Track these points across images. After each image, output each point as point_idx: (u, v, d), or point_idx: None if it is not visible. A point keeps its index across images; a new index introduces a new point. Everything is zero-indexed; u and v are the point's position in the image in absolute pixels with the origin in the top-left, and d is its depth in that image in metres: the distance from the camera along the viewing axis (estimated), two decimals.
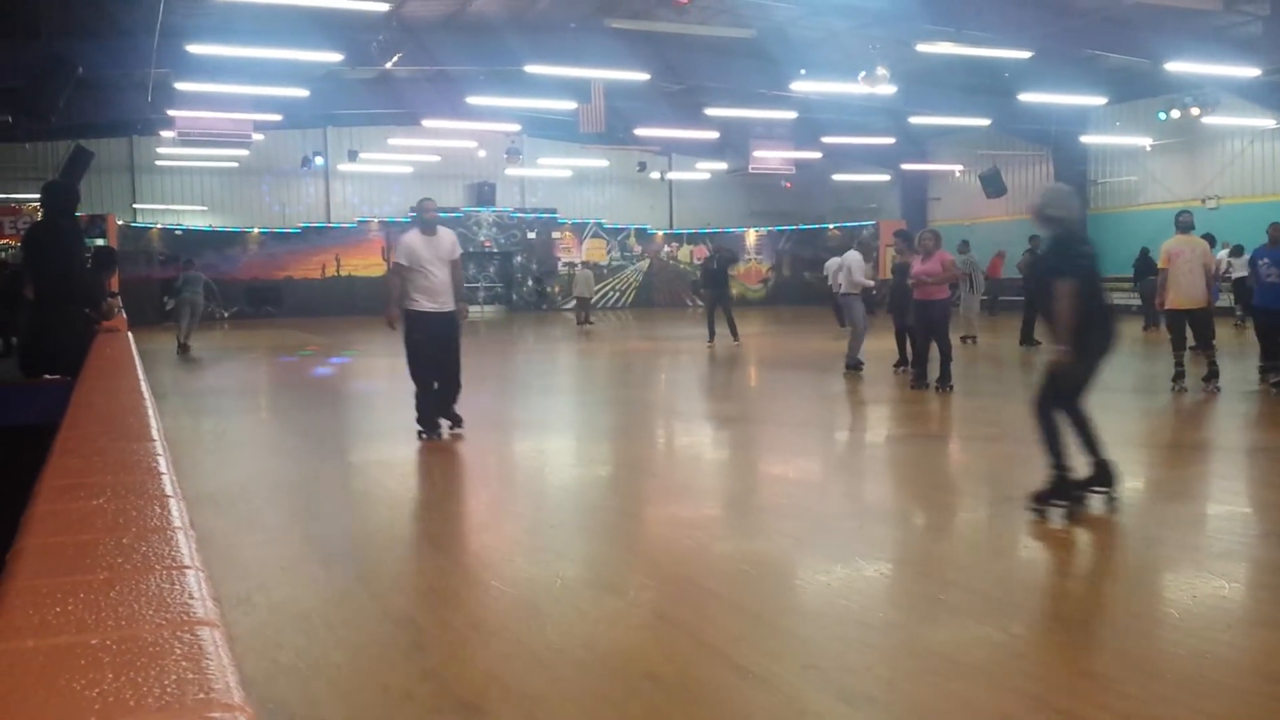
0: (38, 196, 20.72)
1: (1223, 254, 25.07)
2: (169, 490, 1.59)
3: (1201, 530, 6.16)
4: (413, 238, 9.15)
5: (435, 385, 9.14)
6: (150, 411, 2.65)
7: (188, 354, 18.77)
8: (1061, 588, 4.82)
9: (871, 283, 15.29)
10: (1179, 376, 11.41)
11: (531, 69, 20.56)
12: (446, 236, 9.23)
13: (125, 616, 1.00)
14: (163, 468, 1.79)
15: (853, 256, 14.75)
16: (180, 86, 21.68)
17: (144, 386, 3.38)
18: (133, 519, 1.40)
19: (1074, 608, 4.53)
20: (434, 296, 8.92)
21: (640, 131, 29.44)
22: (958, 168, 34.01)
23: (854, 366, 14.01)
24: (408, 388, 9.24)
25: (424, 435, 9.12)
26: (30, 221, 23.64)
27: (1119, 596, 4.77)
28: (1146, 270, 22.64)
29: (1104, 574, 5.19)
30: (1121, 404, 11.83)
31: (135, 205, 33.28)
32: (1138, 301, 23.58)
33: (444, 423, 9.28)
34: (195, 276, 20.33)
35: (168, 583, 1.11)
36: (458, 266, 9.24)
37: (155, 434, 2.20)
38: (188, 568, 1.17)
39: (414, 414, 9.15)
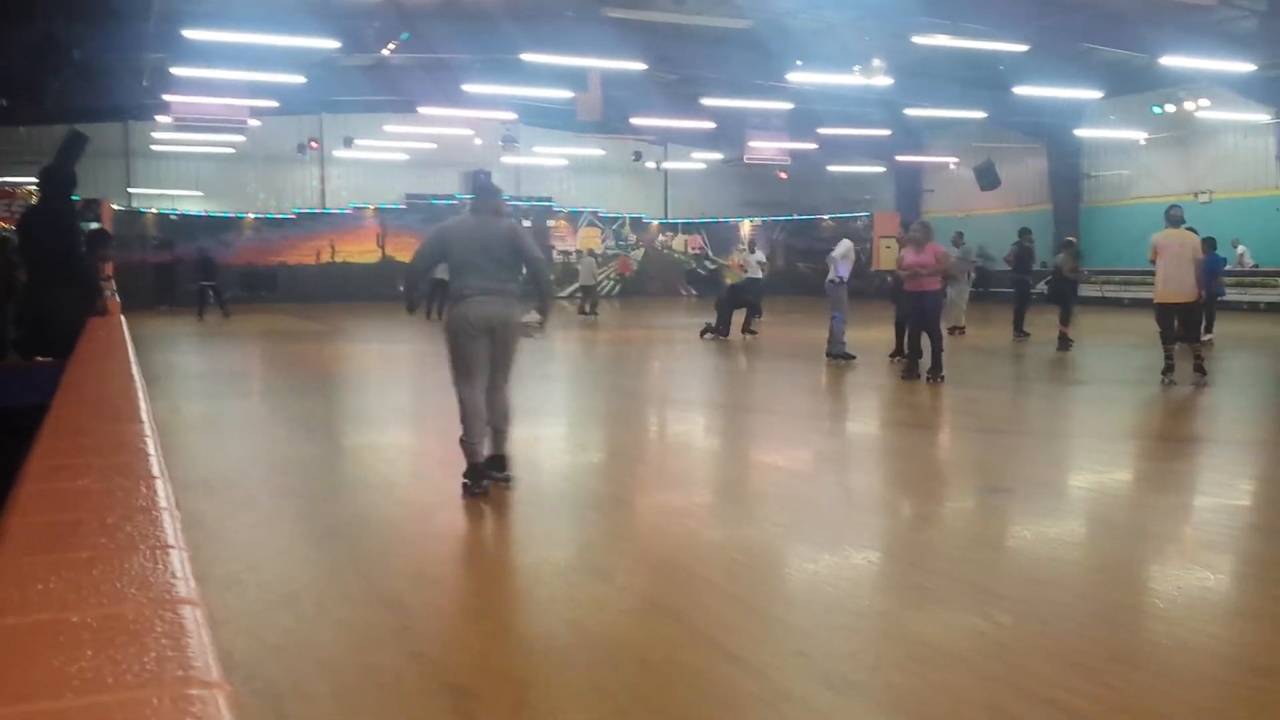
0: (33, 180, 20.62)
1: (1244, 249, 25.28)
2: (155, 471, 1.59)
3: (1187, 522, 6.20)
4: None
5: None
6: (140, 394, 2.65)
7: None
8: (1047, 578, 4.85)
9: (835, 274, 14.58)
10: (1169, 369, 11.44)
11: (528, 57, 20.50)
12: None
13: (107, 595, 1.01)
14: (150, 449, 1.80)
15: (840, 244, 14.64)
16: (176, 71, 21.58)
17: (135, 370, 3.39)
18: (118, 499, 1.40)
19: (1059, 598, 4.55)
20: None
21: (636, 121, 29.38)
22: (952, 160, 33.99)
23: (839, 356, 14.01)
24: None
25: None
26: (25, 205, 23.56)
27: (1104, 587, 4.80)
28: None
29: (1089, 565, 5.21)
30: (1111, 396, 11.88)
31: (130, 190, 33.18)
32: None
33: None
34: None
35: (151, 562, 1.12)
36: None
37: (144, 416, 2.21)
38: (171, 547, 1.17)
39: None
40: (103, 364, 3.73)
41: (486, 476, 6.45)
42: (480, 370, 6.39)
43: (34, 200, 18.21)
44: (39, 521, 1.29)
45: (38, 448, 1.80)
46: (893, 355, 14.00)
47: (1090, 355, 15.42)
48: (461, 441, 6.40)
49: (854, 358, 14.00)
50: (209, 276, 25.82)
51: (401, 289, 6.39)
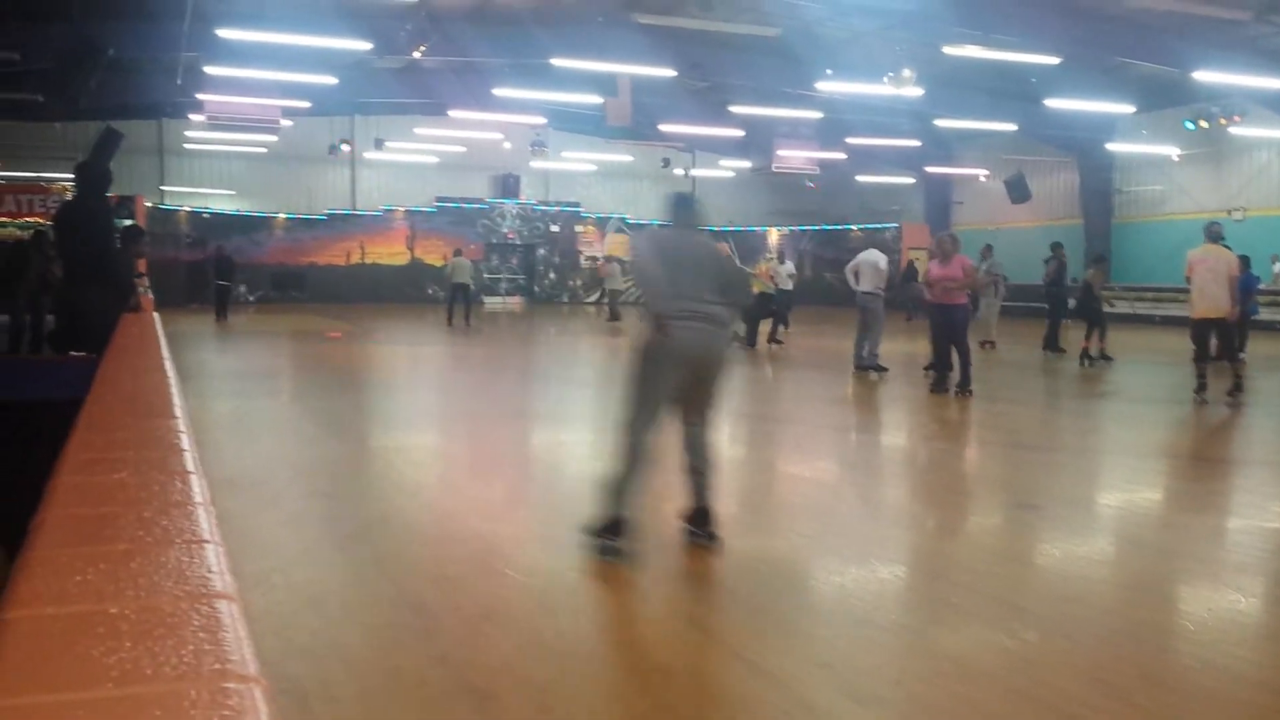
0: (67, 176, 20.85)
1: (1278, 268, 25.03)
2: (190, 466, 1.60)
3: (1219, 543, 6.12)
4: None
5: None
6: (173, 390, 2.67)
7: None
8: (1074, 595, 4.80)
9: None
10: (1201, 388, 11.31)
11: (558, 62, 20.56)
12: None
13: (144, 587, 1.02)
14: (185, 445, 1.81)
15: (873, 254, 14.49)
16: (210, 71, 21.77)
17: (168, 365, 3.41)
18: (154, 493, 1.41)
19: (1086, 615, 4.51)
20: None
21: (665, 128, 29.40)
22: (983, 172, 33.80)
23: (867, 368, 13.90)
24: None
25: None
26: (59, 201, 23.80)
27: (1133, 606, 4.75)
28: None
29: (1118, 583, 5.16)
30: (1143, 413, 11.78)
31: (163, 187, 33.51)
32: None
33: None
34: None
35: (187, 556, 1.12)
36: None
37: (178, 412, 2.22)
38: (207, 542, 1.18)
39: None
40: (136, 359, 3.76)
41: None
42: (664, 409, 5.28)
43: (69, 196, 18.40)
44: (76, 514, 1.30)
45: (73, 442, 1.82)
46: (927, 368, 13.92)
47: (1122, 372, 15.29)
48: (610, 487, 5.17)
49: (886, 370, 13.93)
50: (226, 276, 25.99)
51: (649, 312, 5.26)
